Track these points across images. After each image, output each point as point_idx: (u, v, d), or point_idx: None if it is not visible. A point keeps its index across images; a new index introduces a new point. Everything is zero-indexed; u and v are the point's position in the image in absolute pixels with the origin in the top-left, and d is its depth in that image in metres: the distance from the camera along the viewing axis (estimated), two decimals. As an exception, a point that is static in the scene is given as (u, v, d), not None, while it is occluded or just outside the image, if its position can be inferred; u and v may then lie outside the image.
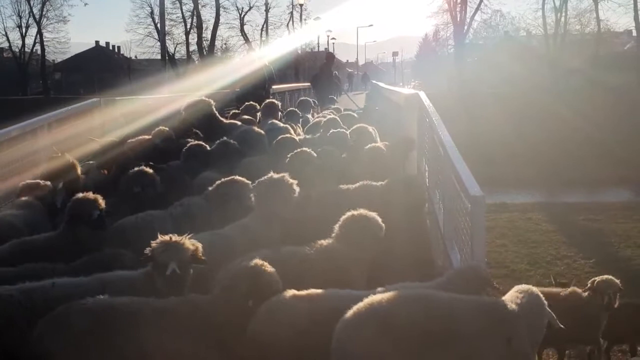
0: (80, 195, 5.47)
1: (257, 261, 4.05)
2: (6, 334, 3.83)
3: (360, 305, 3.60)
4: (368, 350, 3.46)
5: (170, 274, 3.99)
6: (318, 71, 21.16)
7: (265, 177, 5.51)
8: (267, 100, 11.12)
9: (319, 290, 4.03)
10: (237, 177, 5.93)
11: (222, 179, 6.01)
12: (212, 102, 9.72)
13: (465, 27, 60.61)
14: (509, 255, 11.05)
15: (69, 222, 5.27)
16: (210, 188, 5.96)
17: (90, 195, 5.46)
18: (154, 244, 4.12)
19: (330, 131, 8.65)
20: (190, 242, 4.17)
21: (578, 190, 20.27)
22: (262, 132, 8.79)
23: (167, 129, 8.81)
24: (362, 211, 4.87)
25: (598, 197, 19.11)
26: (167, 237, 4.13)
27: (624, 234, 12.60)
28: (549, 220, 14.10)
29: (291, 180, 5.47)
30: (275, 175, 5.47)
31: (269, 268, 4.02)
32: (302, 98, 16.04)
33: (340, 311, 3.84)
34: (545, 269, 10.30)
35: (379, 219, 4.84)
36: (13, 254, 4.95)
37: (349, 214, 4.88)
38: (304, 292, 3.99)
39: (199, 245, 4.21)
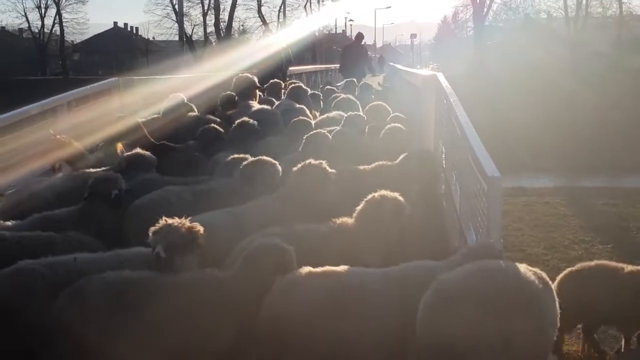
0: (101, 173, 5.55)
1: (277, 238, 4.09)
2: (30, 305, 3.91)
3: (449, 280, 3.50)
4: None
5: (154, 256, 3.99)
6: (345, 53, 20.97)
7: (304, 162, 5.46)
8: (294, 85, 11.21)
9: (335, 267, 4.05)
10: (265, 158, 5.85)
11: (250, 159, 5.94)
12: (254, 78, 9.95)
13: (485, 9, 59.99)
14: (525, 239, 10.97)
15: (88, 198, 5.35)
16: (239, 167, 5.87)
17: (111, 174, 5.54)
18: (154, 226, 4.13)
19: (348, 114, 8.64)
20: (186, 227, 4.13)
21: (598, 175, 20.02)
22: (277, 112, 8.79)
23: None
24: (384, 192, 4.88)
25: (618, 182, 18.87)
26: (162, 220, 4.13)
27: (644, 220, 12.45)
28: (567, 204, 13.96)
29: (328, 168, 5.45)
30: (313, 162, 5.44)
31: (287, 245, 4.05)
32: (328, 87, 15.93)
33: (355, 288, 3.88)
34: (563, 253, 10.22)
35: (401, 200, 4.85)
36: (34, 227, 5.05)
37: (371, 195, 4.89)
38: (319, 269, 4.02)
39: (199, 230, 4.17)
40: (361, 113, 8.93)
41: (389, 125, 7.96)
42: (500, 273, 3.52)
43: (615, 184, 18.01)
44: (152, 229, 4.09)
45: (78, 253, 4.36)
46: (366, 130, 8.17)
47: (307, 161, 5.48)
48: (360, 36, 21.00)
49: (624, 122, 27.05)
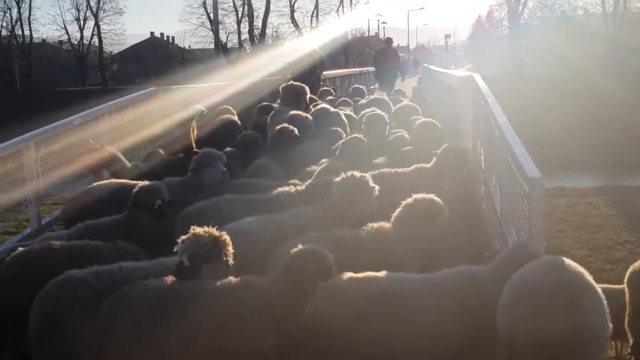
0: (145, 183, 5.62)
1: (317, 245, 4.08)
2: (78, 311, 4.02)
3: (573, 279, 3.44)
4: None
5: (178, 265, 4.01)
6: (377, 57, 21.37)
7: (347, 174, 5.34)
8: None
9: (376, 273, 4.05)
10: (359, 176, 5.39)
11: (344, 177, 5.42)
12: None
13: (520, 7, 59.30)
14: (568, 241, 10.79)
15: (132, 208, 5.46)
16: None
17: (155, 184, 5.62)
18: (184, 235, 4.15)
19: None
20: (211, 237, 4.11)
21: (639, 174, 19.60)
22: (310, 116, 8.81)
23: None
24: (420, 195, 4.86)
25: (662, 180, 18.45)
26: (192, 229, 4.12)
27: (689, 218, 12.14)
28: (610, 204, 13.68)
29: (372, 182, 5.34)
30: (356, 174, 5.34)
31: (327, 251, 4.04)
32: (354, 86, 16.01)
33: (397, 294, 3.88)
34: (607, 254, 10.03)
35: (438, 202, 4.82)
36: (80, 236, 5.17)
37: (410, 198, 4.87)
38: (360, 275, 4.02)
39: (225, 239, 4.14)
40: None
41: (420, 120, 8.02)
42: (577, 268, 3.53)
43: (659, 183, 17.60)
44: (181, 237, 4.12)
45: (123, 262, 4.45)
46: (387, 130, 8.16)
47: (350, 173, 5.36)
48: (389, 41, 21.38)
49: (666, 119, 26.44)
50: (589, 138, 23.55)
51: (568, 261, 3.59)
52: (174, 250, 4.12)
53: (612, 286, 5.70)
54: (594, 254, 10.01)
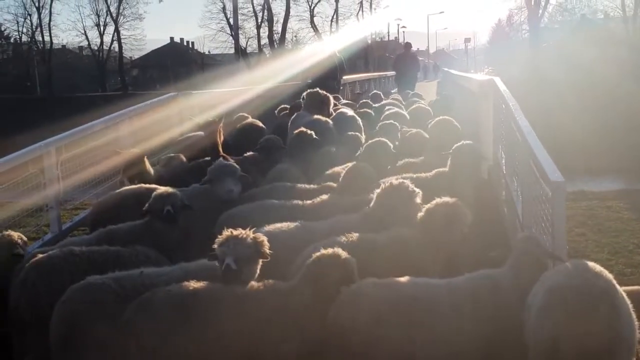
0: (160, 190, 5.65)
1: (339, 249, 4.07)
2: (99, 317, 4.04)
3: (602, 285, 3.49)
4: None
5: (225, 268, 3.99)
6: (397, 61, 21.72)
7: (386, 184, 5.29)
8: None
9: (399, 278, 4.04)
10: (403, 184, 5.31)
11: (384, 187, 5.33)
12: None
13: (540, 11, 58.92)
14: (589, 245, 10.68)
15: (146, 215, 5.49)
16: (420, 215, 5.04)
17: (166, 190, 5.62)
18: (219, 237, 4.14)
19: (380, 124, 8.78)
20: (252, 237, 4.13)
21: (660, 178, 19.40)
22: (330, 121, 8.82)
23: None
24: (442, 199, 4.82)
25: (683, 184, 18.24)
26: (228, 231, 4.12)
27: None
28: (631, 208, 13.53)
29: (412, 187, 5.23)
30: (395, 181, 5.29)
31: (350, 256, 4.04)
32: (375, 91, 16.06)
33: (419, 300, 3.87)
34: (627, 258, 9.92)
35: (459, 206, 4.78)
36: (100, 242, 5.21)
37: (432, 202, 4.84)
38: (384, 280, 4.02)
39: (264, 240, 4.16)
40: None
41: (437, 118, 8.05)
42: (607, 273, 3.61)
43: (680, 186, 17.40)
44: (219, 240, 4.10)
45: (144, 267, 4.47)
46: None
47: (388, 182, 5.31)
48: (408, 45, 21.74)
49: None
50: (609, 142, 23.36)
51: (597, 266, 3.64)
52: (211, 253, 4.12)
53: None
54: (615, 258, 9.92)
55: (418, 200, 5.15)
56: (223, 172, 6.21)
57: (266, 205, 5.73)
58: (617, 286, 3.53)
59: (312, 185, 6.47)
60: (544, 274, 3.77)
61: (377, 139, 7.23)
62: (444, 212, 4.74)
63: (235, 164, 6.38)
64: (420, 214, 4.87)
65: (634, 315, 3.47)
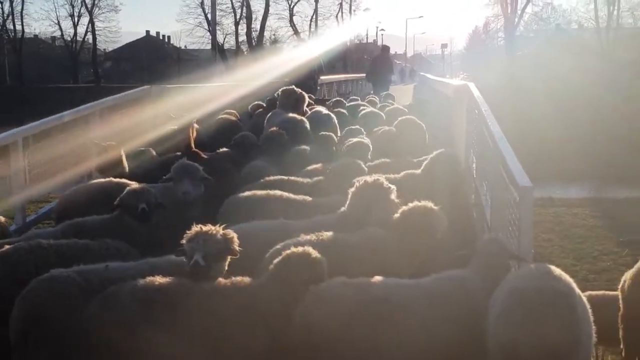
0: (133, 186, 5.58)
1: (309, 248, 4.05)
2: (64, 311, 3.97)
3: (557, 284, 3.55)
4: None
5: (193, 264, 3.94)
6: (372, 62, 21.95)
7: (360, 181, 5.25)
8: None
9: (368, 278, 4.04)
10: (377, 181, 5.24)
11: (358, 185, 5.26)
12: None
13: (516, 19, 59.67)
14: (555, 250, 10.87)
15: (118, 211, 5.42)
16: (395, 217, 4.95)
17: (141, 187, 5.58)
18: (187, 233, 4.09)
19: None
20: (222, 234, 4.09)
21: (628, 186, 19.69)
22: (305, 120, 8.84)
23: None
24: (423, 204, 4.78)
25: (648, 192, 18.59)
26: (198, 227, 4.07)
27: (674, 230, 12.23)
28: (596, 215, 13.81)
29: (387, 184, 5.21)
30: (370, 179, 5.23)
31: (319, 254, 4.02)
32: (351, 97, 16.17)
33: (389, 300, 3.87)
34: (591, 264, 10.12)
35: (440, 215, 4.75)
36: (66, 234, 5.13)
37: (408, 206, 4.82)
38: (352, 280, 4.01)
39: (233, 237, 4.12)
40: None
41: (401, 118, 8.18)
42: (566, 276, 3.67)
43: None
44: (188, 236, 4.05)
45: (111, 261, 4.41)
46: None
47: (362, 179, 5.26)
48: (385, 48, 21.92)
49: (656, 133, 26.68)
50: (579, 149, 23.72)
51: (557, 269, 3.70)
52: (179, 248, 4.08)
53: (609, 293, 5.81)
54: (579, 264, 10.12)
55: (393, 197, 5.15)
56: (183, 172, 6.12)
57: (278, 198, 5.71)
58: (577, 290, 3.59)
59: (306, 179, 6.49)
60: (506, 277, 3.82)
61: (359, 139, 7.30)
62: (420, 217, 4.73)
63: (197, 165, 6.28)
64: (395, 217, 4.85)
65: (591, 319, 3.53)
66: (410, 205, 4.82)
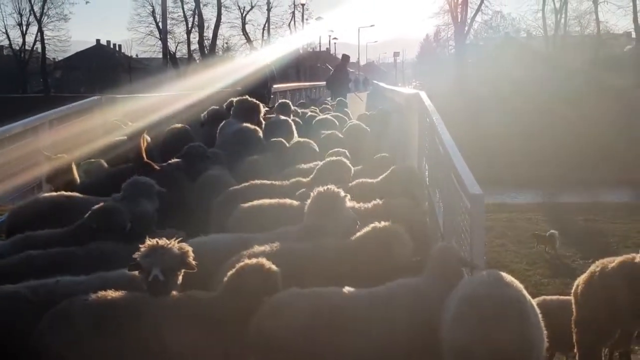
0: (108, 204, 5.45)
1: (263, 259, 4.03)
2: (14, 328, 3.88)
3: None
4: None
5: (152, 279, 3.89)
6: (334, 71, 22.55)
7: (315, 192, 5.19)
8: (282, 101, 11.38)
9: (321, 288, 4.04)
10: (330, 190, 5.17)
11: (313, 196, 5.22)
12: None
13: (466, 28, 60.79)
14: (508, 255, 11.07)
15: (99, 230, 5.21)
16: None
17: (119, 205, 5.46)
18: (141, 248, 4.03)
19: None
20: (178, 247, 4.04)
21: (578, 191, 20.23)
22: (258, 129, 8.83)
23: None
24: (388, 225, 4.73)
25: (598, 197, 19.08)
26: (153, 242, 4.02)
27: (623, 234, 12.56)
28: (549, 220, 14.11)
29: (340, 192, 5.17)
30: (323, 189, 5.16)
31: (273, 266, 4.01)
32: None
33: (343, 309, 3.88)
34: (545, 268, 10.33)
35: (405, 238, 4.70)
36: (16, 247, 5.00)
37: (371, 226, 4.76)
38: (305, 290, 4.01)
39: (189, 250, 4.09)
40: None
41: (350, 122, 8.34)
42: (517, 282, 3.73)
43: (595, 200, 18.23)
44: (143, 250, 3.99)
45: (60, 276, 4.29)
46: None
47: (316, 190, 5.19)
48: (345, 57, 22.37)
49: (602, 139, 27.48)
50: (530, 155, 24.25)
51: (508, 275, 3.77)
52: (133, 263, 3.99)
53: (562, 297, 5.92)
54: (532, 268, 10.32)
55: (348, 204, 5.15)
56: (137, 191, 5.92)
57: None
58: (528, 296, 3.66)
59: (284, 182, 6.55)
60: (459, 284, 3.87)
61: (303, 140, 7.36)
62: (384, 239, 4.64)
63: (150, 180, 6.14)
64: (359, 234, 4.80)
65: (542, 324, 3.60)
66: (370, 227, 4.74)
